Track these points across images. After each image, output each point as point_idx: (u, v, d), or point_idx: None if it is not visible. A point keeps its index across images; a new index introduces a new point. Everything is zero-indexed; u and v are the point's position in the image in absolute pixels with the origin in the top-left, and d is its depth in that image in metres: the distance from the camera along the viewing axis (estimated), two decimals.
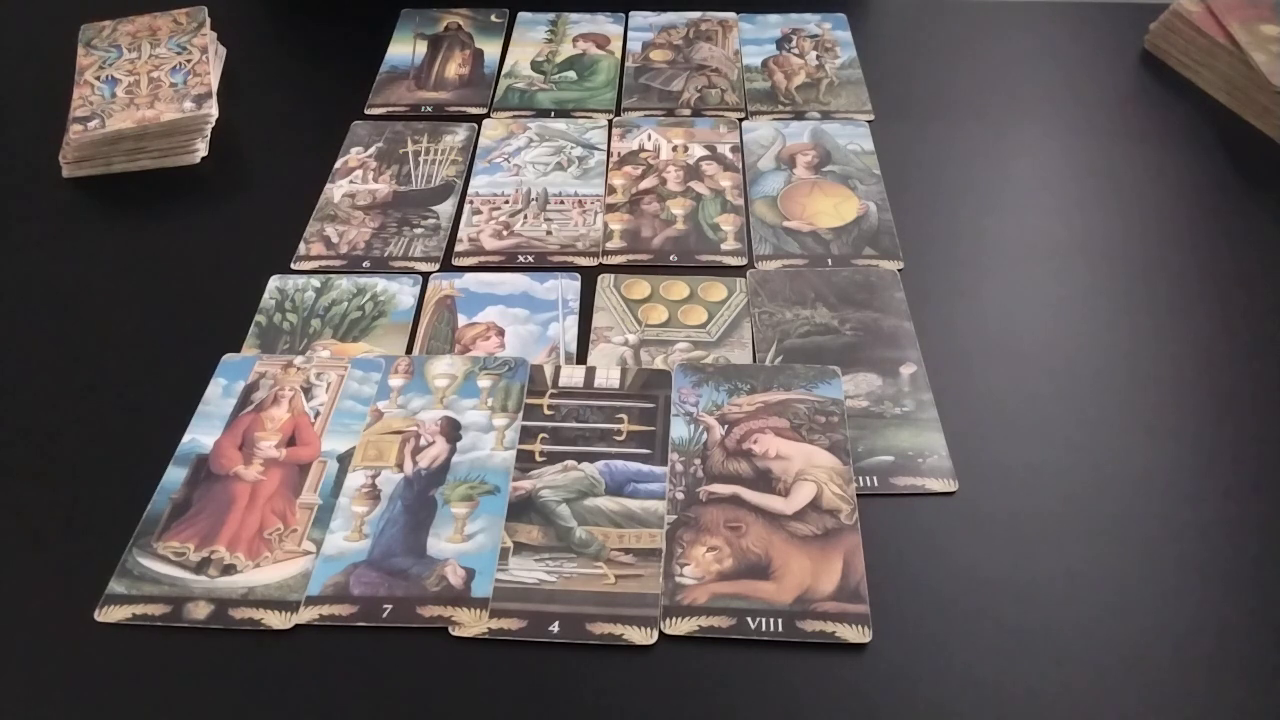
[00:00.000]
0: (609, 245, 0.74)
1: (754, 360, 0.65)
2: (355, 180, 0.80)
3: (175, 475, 0.59)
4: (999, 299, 0.69)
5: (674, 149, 0.82)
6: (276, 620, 0.52)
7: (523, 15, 0.98)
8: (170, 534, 0.56)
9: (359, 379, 0.64)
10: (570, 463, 0.59)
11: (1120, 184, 0.79)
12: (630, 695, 0.49)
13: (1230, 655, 0.50)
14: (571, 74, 0.91)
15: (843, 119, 0.85)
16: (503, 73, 0.92)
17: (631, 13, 0.98)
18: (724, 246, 0.74)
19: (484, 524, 0.56)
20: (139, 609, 0.53)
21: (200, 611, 0.53)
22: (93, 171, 0.81)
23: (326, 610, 0.53)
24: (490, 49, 0.95)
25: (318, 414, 0.62)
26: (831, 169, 0.80)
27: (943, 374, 0.64)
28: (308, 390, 0.64)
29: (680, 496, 0.57)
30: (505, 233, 0.75)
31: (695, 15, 0.98)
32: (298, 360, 0.66)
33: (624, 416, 0.62)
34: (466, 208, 0.77)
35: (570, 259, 0.73)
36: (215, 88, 0.85)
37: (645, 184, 0.79)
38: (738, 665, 0.50)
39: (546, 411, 0.62)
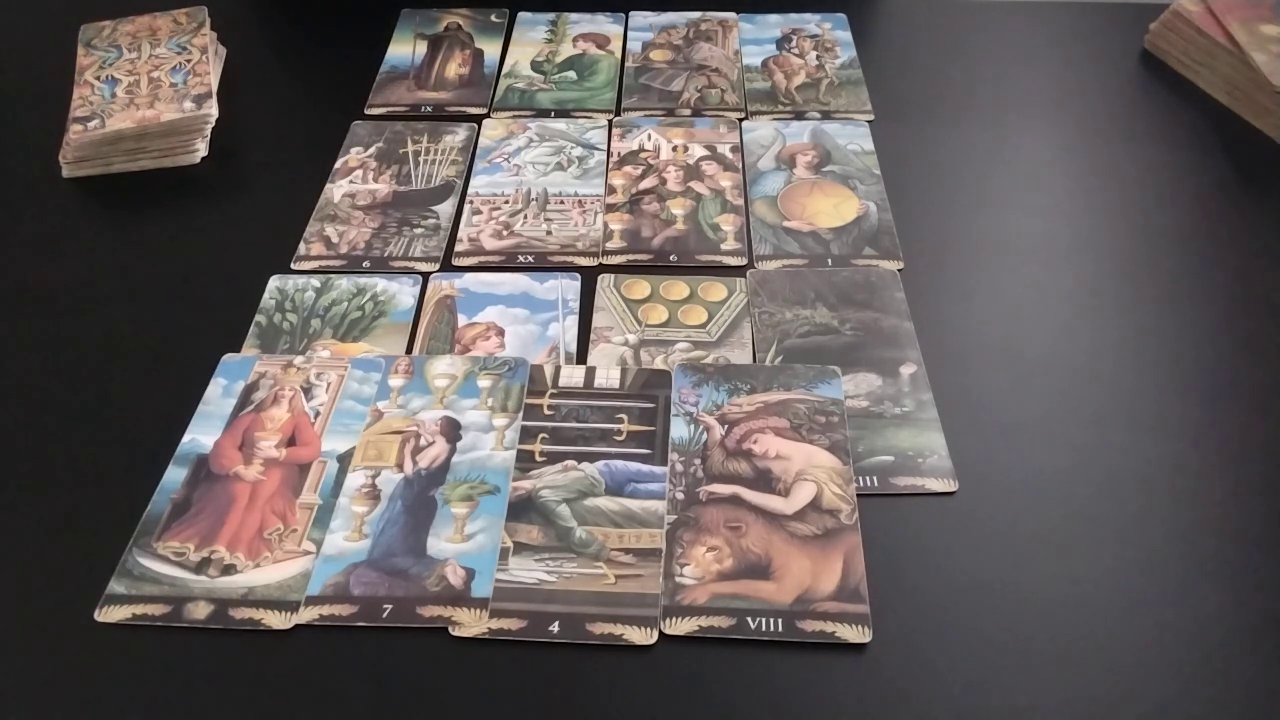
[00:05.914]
0: (609, 245, 0.74)
1: (754, 360, 0.65)
2: (355, 180, 0.80)
3: (175, 475, 0.59)
4: (999, 299, 0.69)
5: (674, 149, 0.82)
6: (276, 620, 0.52)
7: (523, 15, 0.98)
8: (170, 534, 0.56)
9: (359, 379, 0.64)
10: (570, 463, 0.59)
11: (1120, 184, 0.79)
12: (630, 695, 0.49)
13: (1234, 657, 0.50)
14: (571, 74, 0.91)
15: (843, 119, 0.85)
16: (503, 73, 0.92)
17: (631, 13, 0.98)
18: (724, 246, 0.74)
19: (484, 524, 0.56)
20: (139, 609, 0.53)
21: (200, 611, 0.53)
22: (93, 171, 0.81)
23: (326, 610, 0.53)
24: (490, 49, 0.94)
25: (318, 414, 0.62)
26: (831, 169, 0.80)
27: (943, 374, 0.64)
28: (308, 390, 0.64)
29: (680, 496, 0.57)
30: (505, 233, 0.75)
31: (695, 15, 0.98)
32: (298, 360, 0.66)
33: (624, 416, 0.62)
34: (466, 208, 0.77)
35: (570, 259, 0.73)
36: (215, 88, 0.85)
37: (645, 184, 0.79)
38: (738, 665, 0.50)
39: (546, 411, 0.62)
